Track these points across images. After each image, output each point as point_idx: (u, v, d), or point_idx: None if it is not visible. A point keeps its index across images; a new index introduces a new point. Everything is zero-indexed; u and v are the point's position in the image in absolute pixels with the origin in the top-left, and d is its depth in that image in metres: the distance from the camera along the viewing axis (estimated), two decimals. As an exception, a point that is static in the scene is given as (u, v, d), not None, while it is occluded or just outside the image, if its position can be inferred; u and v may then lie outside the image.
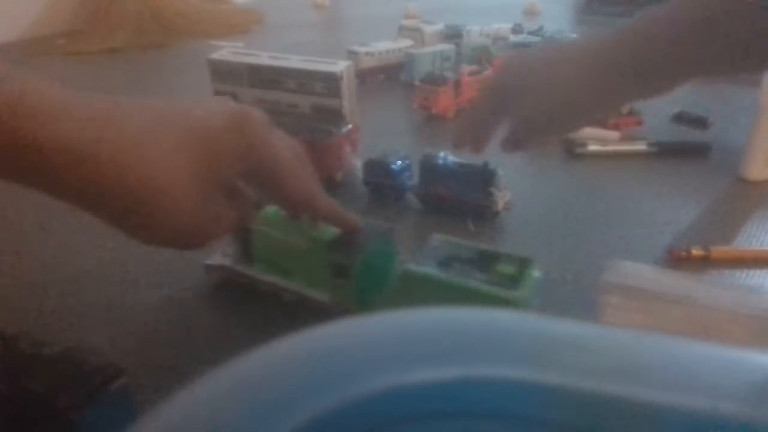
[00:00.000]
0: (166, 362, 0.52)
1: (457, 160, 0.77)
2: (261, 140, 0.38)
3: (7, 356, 0.42)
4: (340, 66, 0.92)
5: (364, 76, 1.30)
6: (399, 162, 0.82)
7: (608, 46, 0.50)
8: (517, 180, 0.83)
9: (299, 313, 0.57)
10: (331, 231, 0.55)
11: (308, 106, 0.95)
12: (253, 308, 0.58)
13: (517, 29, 1.50)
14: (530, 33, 1.44)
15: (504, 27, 1.47)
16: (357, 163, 0.87)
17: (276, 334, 0.19)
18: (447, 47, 1.37)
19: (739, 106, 1.18)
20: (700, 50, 0.45)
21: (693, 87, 1.39)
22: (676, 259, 0.67)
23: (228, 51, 1.04)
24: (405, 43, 1.41)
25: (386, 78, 1.36)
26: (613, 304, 0.43)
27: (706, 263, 0.67)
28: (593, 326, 0.19)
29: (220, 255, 0.62)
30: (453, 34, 1.47)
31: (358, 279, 0.53)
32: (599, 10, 2.16)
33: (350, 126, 0.85)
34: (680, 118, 1.12)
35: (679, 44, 0.46)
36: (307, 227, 0.55)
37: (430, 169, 0.78)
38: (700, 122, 1.09)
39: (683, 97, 1.28)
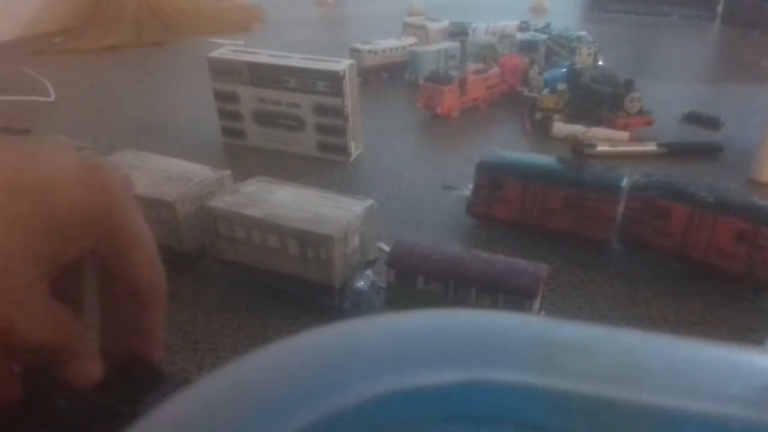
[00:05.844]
0: None
1: None
2: (122, 204, 0.23)
3: None
4: (342, 64, 0.91)
5: (366, 75, 1.29)
6: None
7: None
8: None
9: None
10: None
11: (310, 106, 0.94)
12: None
13: (523, 27, 1.48)
14: (537, 30, 1.43)
15: (510, 24, 1.46)
16: None
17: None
18: (452, 45, 1.35)
19: (751, 106, 1.15)
20: None
21: (703, 86, 1.37)
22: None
23: (228, 49, 1.02)
24: (409, 40, 1.39)
25: (389, 77, 1.35)
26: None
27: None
28: (598, 328, 0.18)
29: None
30: (458, 32, 1.45)
31: None
32: (606, 8, 2.14)
33: None
34: (691, 118, 1.09)
35: None
36: None
37: None
38: (711, 122, 1.07)
39: (694, 96, 1.26)
